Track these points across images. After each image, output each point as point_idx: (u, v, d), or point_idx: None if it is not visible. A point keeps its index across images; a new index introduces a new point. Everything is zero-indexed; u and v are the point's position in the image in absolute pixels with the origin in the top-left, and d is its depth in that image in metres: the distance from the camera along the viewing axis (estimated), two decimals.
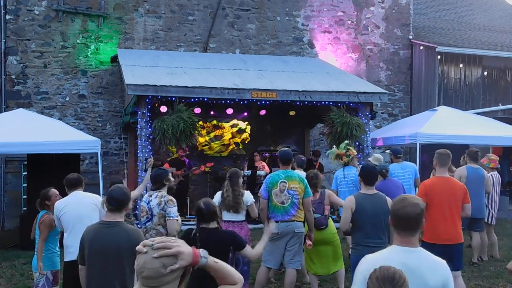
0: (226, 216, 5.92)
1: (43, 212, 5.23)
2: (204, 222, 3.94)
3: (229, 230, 4.40)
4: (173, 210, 4.97)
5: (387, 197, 4.84)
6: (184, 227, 4.82)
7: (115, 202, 3.67)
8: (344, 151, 7.88)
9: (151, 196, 5.08)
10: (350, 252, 5.01)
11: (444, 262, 2.62)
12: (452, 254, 5.28)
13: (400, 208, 2.61)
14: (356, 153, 8.14)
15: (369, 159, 8.48)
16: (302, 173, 6.37)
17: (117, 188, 3.80)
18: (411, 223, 2.59)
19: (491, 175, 8.18)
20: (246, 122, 13.05)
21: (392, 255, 2.53)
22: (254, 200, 6.07)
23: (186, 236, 3.88)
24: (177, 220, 5.00)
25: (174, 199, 5.07)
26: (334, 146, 8.39)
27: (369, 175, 4.96)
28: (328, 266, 6.08)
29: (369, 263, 2.36)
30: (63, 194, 5.20)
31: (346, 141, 8.47)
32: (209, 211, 3.94)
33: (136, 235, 3.64)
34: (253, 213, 6.06)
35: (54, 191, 5.30)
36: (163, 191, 5.16)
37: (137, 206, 5.15)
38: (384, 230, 4.67)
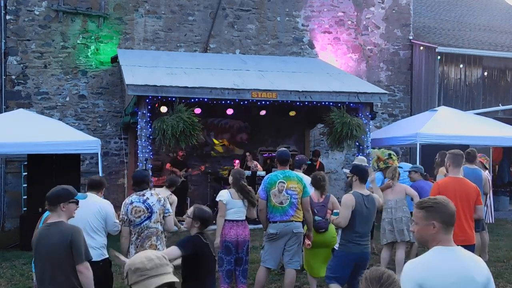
0: (231, 215, 5.68)
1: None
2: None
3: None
4: (169, 206, 5.26)
5: (375, 196, 5.30)
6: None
7: (46, 200, 3.84)
8: (385, 157, 7.48)
9: (144, 195, 5.06)
10: (336, 247, 5.21)
11: (482, 259, 2.66)
12: None
13: (447, 205, 2.60)
14: (395, 166, 7.28)
15: (354, 161, 8.42)
16: (301, 175, 6.34)
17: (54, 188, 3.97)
18: (454, 220, 2.62)
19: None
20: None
21: (438, 256, 2.53)
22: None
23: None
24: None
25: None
26: (379, 149, 8.09)
27: (362, 172, 5.27)
28: (321, 269, 5.96)
29: (420, 268, 2.38)
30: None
31: (393, 153, 7.83)
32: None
33: (70, 233, 3.68)
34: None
35: None
36: (153, 190, 5.30)
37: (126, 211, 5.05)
38: (370, 229, 5.29)
